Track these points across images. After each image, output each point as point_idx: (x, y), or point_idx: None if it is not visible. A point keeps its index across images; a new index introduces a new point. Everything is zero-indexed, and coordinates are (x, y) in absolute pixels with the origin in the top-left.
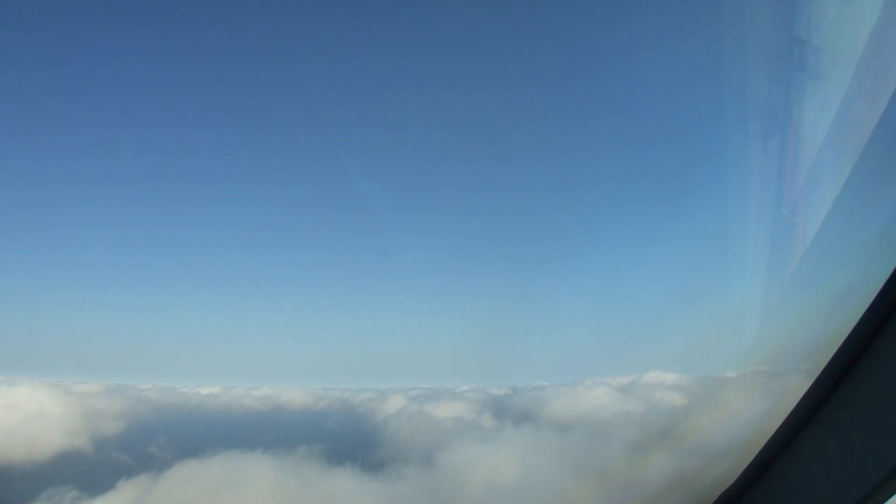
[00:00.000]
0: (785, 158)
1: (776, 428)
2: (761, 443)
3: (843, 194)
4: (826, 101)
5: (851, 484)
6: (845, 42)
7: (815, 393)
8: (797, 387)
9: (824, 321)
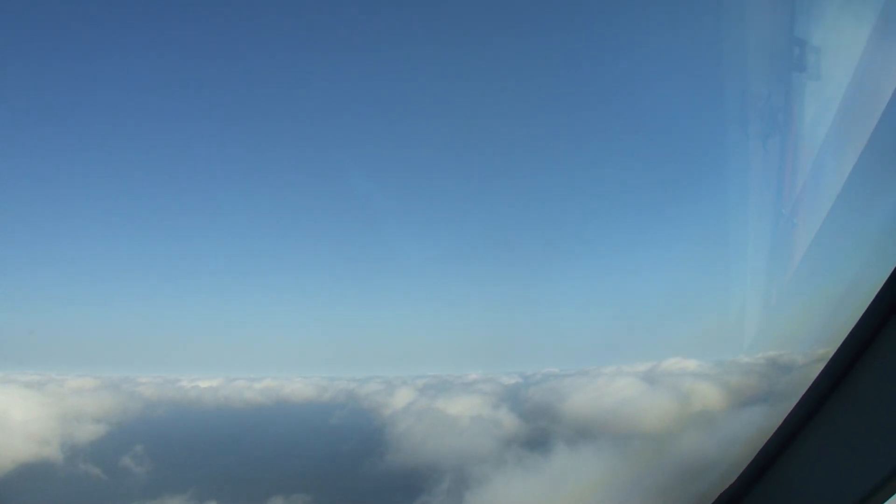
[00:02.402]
0: (785, 158)
1: (776, 428)
2: (761, 443)
3: (843, 194)
4: (826, 101)
5: (851, 484)
6: (845, 42)
7: (814, 393)
8: (797, 386)
9: (824, 321)
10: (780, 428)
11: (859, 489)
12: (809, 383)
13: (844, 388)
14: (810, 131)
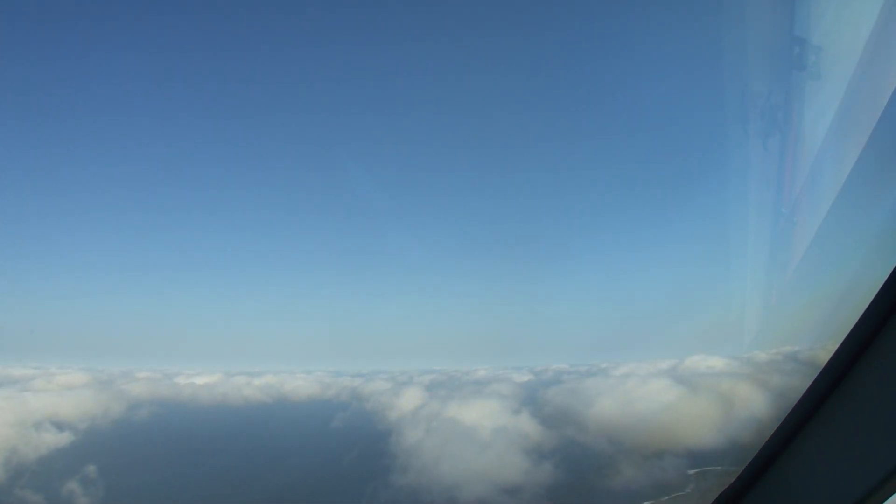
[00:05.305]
0: (785, 157)
1: (776, 427)
2: (761, 442)
3: (843, 193)
4: (826, 101)
5: (851, 483)
6: (845, 42)
7: (814, 392)
8: (797, 386)
9: (824, 321)
10: (780, 428)
11: (859, 489)
12: (809, 382)
13: (844, 387)
14: (810, 130)
